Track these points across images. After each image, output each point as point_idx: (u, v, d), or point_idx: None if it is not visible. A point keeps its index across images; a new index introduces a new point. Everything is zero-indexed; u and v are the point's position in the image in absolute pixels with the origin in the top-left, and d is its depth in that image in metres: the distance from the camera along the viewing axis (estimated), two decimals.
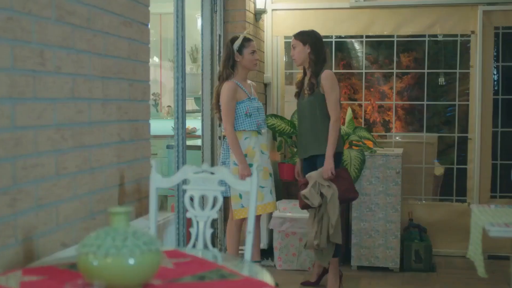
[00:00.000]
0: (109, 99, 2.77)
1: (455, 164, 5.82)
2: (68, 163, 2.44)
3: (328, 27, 5.83)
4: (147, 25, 3.18)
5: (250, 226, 2.54)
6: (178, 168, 4.22)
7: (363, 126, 6.06)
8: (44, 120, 2.29)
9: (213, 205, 2.58)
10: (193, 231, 2.58)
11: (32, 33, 2.20)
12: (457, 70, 5.76)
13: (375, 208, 5.17)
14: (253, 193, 2.52)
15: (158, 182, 2.62)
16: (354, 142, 5.52)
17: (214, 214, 2.57)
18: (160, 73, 8.68)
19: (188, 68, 7.10)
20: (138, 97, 3.07)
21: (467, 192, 5.68)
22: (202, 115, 5.16)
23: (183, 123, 4.22)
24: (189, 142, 5.89)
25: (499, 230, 2.84)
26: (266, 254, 5.41)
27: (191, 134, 7.05)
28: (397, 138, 6.22)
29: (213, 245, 5.08)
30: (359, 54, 6.54)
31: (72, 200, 2.48)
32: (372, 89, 6.84)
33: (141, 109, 3.12)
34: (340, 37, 6.03)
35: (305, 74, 4.61)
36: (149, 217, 2.61)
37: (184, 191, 2.64)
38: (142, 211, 3.09)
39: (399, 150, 5.43)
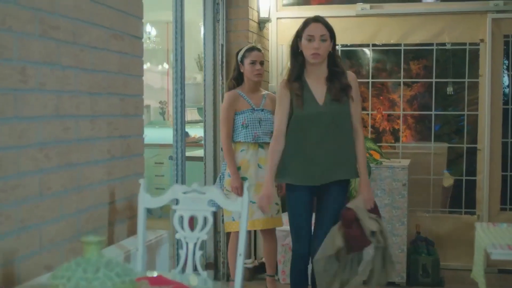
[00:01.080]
0: (98, 115, 2.69)
1: (464, 175, 5.69)
2: (52, 183, 2.36)
3: None
4: (140, 38, 3.10)
5: (240, 247, 2.45)
6: (177, 180, 4.15)
7: (371, 134, 5.96)
8: (26, 139, 2.21)
9: (204, 226, 2.49)
10: (182, 253, 2.49)
11: (13, 50, 2.13)
12: (466, 79, 5.64)
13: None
14: (243, 214, 2.43)
15: (146, 202, 2.53)
16: None
17: (204, 235, 2.49)
18: (167, 81, 8.64)
19: (198, 77, 7.03)
20: (130, 112, 2.99)
21: (476, 204, 5.55)
22: (205, 126, 5.09)
23: (182, 136, 4.15)
24: (193, 153, 5.82)
25: (501, 253, 2.73)
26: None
27: (198, 142, 6.98)
28: (404, 149, 6.10)
29: (215, 257, 5.05)
30: (367, 62, 6.44)
31: (57, 221, 2.40)
32: (381, 97, 6.73)
33: (134, 124, 3.04)
34: (346, 45, 5.92)
35: (297, 76, 3.61)
36: (137, 239, 2.53)
37: (174, 212, 2.56)
38: (133, 229, 3.00)
39: (406, 162, 5.32)
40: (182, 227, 2.50)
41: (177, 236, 2.51)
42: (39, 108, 2.28)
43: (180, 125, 4.13)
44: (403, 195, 5.01)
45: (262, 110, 4.38)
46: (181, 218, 2.51)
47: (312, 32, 3.50)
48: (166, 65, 8.53)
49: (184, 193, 2.52)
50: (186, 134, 6.96)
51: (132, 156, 3.03)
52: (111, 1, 2.78)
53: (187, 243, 2.49)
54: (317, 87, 3.59)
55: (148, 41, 7.80)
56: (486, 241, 2.86)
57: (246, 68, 4.36)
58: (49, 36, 2.32)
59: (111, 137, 2.81)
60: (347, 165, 3.60)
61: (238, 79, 4.44)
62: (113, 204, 2.83)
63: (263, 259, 5.14)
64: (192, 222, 2.57)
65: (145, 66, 8.45)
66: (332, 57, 3.62)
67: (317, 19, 3.58)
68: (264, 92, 4.53)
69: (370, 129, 6.27)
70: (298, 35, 3.59)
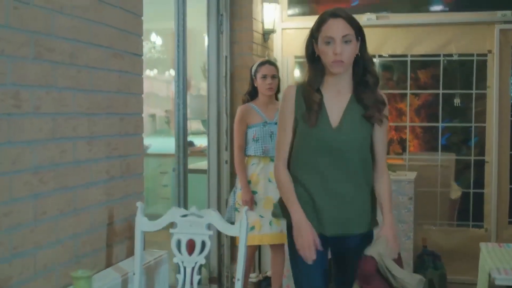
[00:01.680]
0: (96, 136, 2.65)
1: (471, 188, 5.61)
2: (48, 207, 2.33)
3: None
4: (140, 55, 3.06)
5: (238, 272, 2.40)
6: (179, 194, 4.12)
7: None
8: (20, 164, 2.17)
9: (201, 250, 2.45)
10: (179, 277, 2.45)
11: (6, 74, 2.10)
12: (473, 91, 5.57)
13: None
14: (242, 239, 2.38)
15: (143, 226, 2.49)
16: None
17: (202, 259, 2.45)
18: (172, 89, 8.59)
19: (204, 85, 6.98)
20: (129, 131, 2.95)
21: (484, 217, 5.47)
22: (208, 138, 5.04)
23: (184, 152, 4.11)
24: (196, 165, 5.78)
25: (505, 278, 2.66)
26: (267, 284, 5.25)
27: (203, 152, 6.93)
28: (411, 160, 6.03)
29: (219, 271, 5.00)
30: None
31: (53, 245, 2.36)
32: (388, 106, 6.65)
33: (133, 144, 3.00)
34: None
35: (315, 87, 2.65)
36: (134, 263, 2.49)
37: (172, 235, 2.51)
38: (133, 249, 2.96)
39: (412, 175, 5.25)
40: (180, 251, 2.45)
41: (175, 260, 2.47)
42: (34, 132, 2.24)
43: (182, 141, 4.09)
44: (409, 209, 4.94)
45: (276, 123, 4.31)
46: (179, 242, 2.47)
47: (331, 33, 2.53)
48: (172, 73, 8.51)
49: (182, 216, 2.47)
50: (192, 143, 6.94)
51: (132, 175, 2.99)
52: (110, 20, 2.74)
53: (185, 267, 2.44)
54: (334, 102, 2.64)
55: (153, 50, 7.77)
56: (491, 264, 2.80)
57: (258, 82, 4.34)
58: (45, 59, 2.29)
59: (110, 158, 2.77)
60: (363, 216, 2.66)
61: (252, 94, 4.42)
62: (112, 225, 2.79)
63: (268, 273, 5.09)
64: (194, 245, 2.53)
65: (151, 74, 8.47)
66: (359, 63, 2.63)
67: (336, 14, 2.57)
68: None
69: None
70: (313, 36, 2.63)
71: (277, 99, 4.47)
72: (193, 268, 2.44)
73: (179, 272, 2.46)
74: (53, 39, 2.33)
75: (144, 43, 8.00)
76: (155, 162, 7.25)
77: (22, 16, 2.16)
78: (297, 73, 6.02)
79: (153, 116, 8.33)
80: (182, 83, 4.04)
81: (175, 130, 4.07)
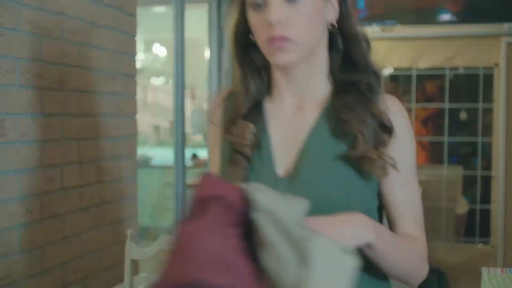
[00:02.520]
0: (86, 160, 2.59)
1: (478, 203, 5.51)
2: (34, 237, 2.27)
3: None
4: (134, 75, 3.01)
5: None
6: (177, 209, 4.06)
7: None
8: (4, 194, 2.12)
9: None
10: None
11: None
12: (480, 105, 5.48)
13: None
14: None
15: (134, 254, 2.42)
16: None
17: None
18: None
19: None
20: (123, 154, 2.90)
21: (491, 233, 5.37)
22: (209, 153, 4.98)
23: (183, 166, 4.05)
24: None
25: None
26: None
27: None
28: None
29: None
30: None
31: (38, 276, 2.30)
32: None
33: (127, 166, 2.94)
34: None
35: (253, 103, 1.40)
36: None
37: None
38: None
39: None
40: None
41: None
42: (19, 160, 2.18)
43: (181, 158, 4.03)
44: None
45: None
46: None
47: None
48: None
49: None
50: (195, 156, 6.89)
51: (125, 199, 2.93)
52: (102, 42, 2.69)
53: None
54: (288, 128, 1.38)
55: (156, 62, 7.74)
56: None
57: None
58: (32, 85, 2.23)
59: (101, 182, 2.71)
60: None
61: None
62: (104, 251, 2.73)
63: None
64: None
65: (156, 83, 8.42)
66: (338, 44, 1.38)
67: None
68: None
69: None
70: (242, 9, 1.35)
71: None
72: None
73: None
74: (40, 65, 2.28)
75: (148, 54, 7.97)
76: (159, 174, 7.21)
77: (7, 43, 2.11)
78: None
79: (157, 127, 8.29)
80: (180, 101, 3.99)
81: (174, 144, 4.01)
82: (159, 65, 7.90)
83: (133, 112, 3.01)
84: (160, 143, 8.27)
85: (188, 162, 7.52)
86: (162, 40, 7.82)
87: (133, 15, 2.96)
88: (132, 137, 2.99)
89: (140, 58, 8.08)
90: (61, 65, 2.40)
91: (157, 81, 8.13)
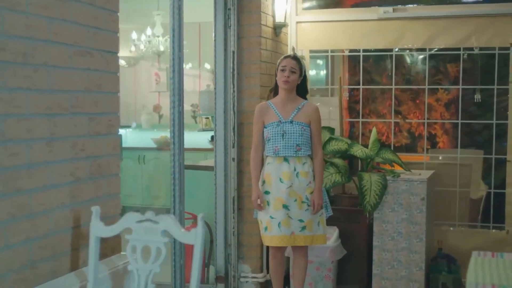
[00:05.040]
0: (57, 137, 2.57)
1: (492, 187, 5.35)
2: None
3: (355, 40, 5.50)
4: (115, 52, 2.96)
5: (193, 283, 2.29)
6: (174, 195, 4.03)
7: (406, 140, 5.71)
8: None
9: (156, 258, 2.34)
10: (133, 286, 2.35)
11: None
12: (495, 86, 5.30)
13: (398, 237, 4.80)
14: (197, 247, 2.27)
15: (99, 231, 2.40)
16: (380, 165, 5.16)
17: (157, 267, 2.34)
18: (199, 83, 8.54)
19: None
20: (101, 131, 2.87)
21: (505, 219, 5.21)
22: (215, 135, 4.94)
23: (180, 149, 4.02)
24: (206, 162, 5.69)
25: None
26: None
27: None
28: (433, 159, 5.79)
29: (226, 271, 4.90)
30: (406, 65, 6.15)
31: (1, 250, 2.29)
32: (417, 101, 6.44)
33: (106, 144, 2.91)
34: (368, 50, 5.66)
35: None
36: (88, 270, 2.40)
37: (127, 242, 2.42)
38: (107, 251, 2.89)
39: (427, 173, 5.03)
40: (135, 259, 2.36)
41: (129, 267, 2.38)
42: None
43: (178, 137, 3.99)
44: (421, 209, 4.74)
45: (291, 122, 4.14)
46: (134, 249, 2.37)
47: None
48: (199, 67, 8.47)
49: (138, 222, 2.37)
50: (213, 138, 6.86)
51: (105, 176, 2.90)
52: (75, 17, 2.65)
53: (139, 276, 2.34)
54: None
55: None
56: (473, 277, 2.61)
57: (278, 76, 4.19)
58: None
59: (75, 159, 2.69)
60: None
61: (275, 90, 4.28)
62: (78, 228, 2.71)
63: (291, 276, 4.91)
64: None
65: None
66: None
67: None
68: (302, 102, 4.25)
69: (405, 134, 6.01)
70: None
71: (303, 97, 4.31)
72: (147, 277, 2.33)
73: (133, 280, 2.37)
74: (2, 39, 2.25)
75: (164, 38, 7.90)
76: None
77: None
78: (312, 68, 5.87)
79: None
80: (178, 80, 3.94)
81: (170, 127, 3.97)
82: None
83: (115, 89, 2.97)
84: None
85: (208, 144, 7.52)
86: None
87: None
88: (113, 115, 2.96)
89: (161, 41, 8.07)
90: (25, 38, 2.37)
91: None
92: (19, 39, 2.34)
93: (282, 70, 4.15)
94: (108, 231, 2.41)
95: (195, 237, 2.28)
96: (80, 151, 2.72)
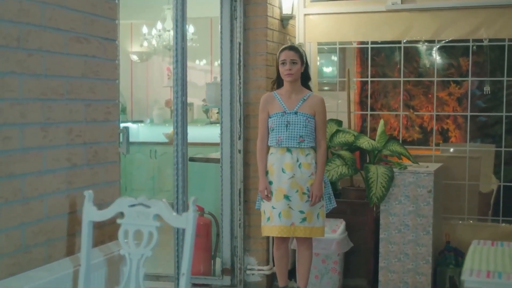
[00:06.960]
0: (52, 122, 2.57)
1: (501, 181, 5.28)
2: None
3: (363, 32, 5.47)
4: (114, 39, 2.97)
5: (184, 266, 2.28)
6: (177, 186, 4.03)
7: (418, 134, 5.66)
8: None
9: (148, 242, 2.34)
10: (125, 270, 2.35)
11: None
12: (505, 78, 5.23)
13: (405, 230, 4.75)
14: (188, 231, 2.26)
15: (91, 215, 2.40)
16: (388, 157, 5.12)
17: (149, 252, 2.33)
18: (211, 78, 8.53)
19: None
20: (98, 117, 2.87)
21: None
22: (222, 127, 4.93)
23: (184, 139, 4.01)
24: (211, 154, 5.69)
25: (475, 281, 2.43)
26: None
27: None
28: (451, 150, 5.74)
29: (232, 263, 4.89)
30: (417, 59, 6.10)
31: None
32: (429, 95, 6.39)
33: (104, 131, 2.91)
34: (376, 42, 5.62)
35: None
36: (81, 256, 2.41)
37: (119, 226, 2.41)
38: (104, 238, 2.89)
39: (435, 166, 4.98)
40: (128, 243, 2.35)
41: (122, 252, 2.37)
42: None
43: (181, 128, 3.99)
44: (428, 202, 4.69)
45: (296, 113, 4.13)
46: (127, 233, 2.37)
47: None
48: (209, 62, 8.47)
49: (130, 206, 2.37)
50: None
51: (102, 163, 2.91)
52: (70, 3, 2.66)
53: (131, 260, 2.34)
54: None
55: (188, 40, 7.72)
56: (469, 264, 2.58)
57: (280, 70, 4.19)
58: None
59: (71, 145, 2.69)
60: None
61: (279, 81, 4.27)
62: (74, 214, 2.72)
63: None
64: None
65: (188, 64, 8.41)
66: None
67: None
68: (307, 93, 4.24)
69: (417, 128, 5.97)
70: None
71: (307, 87, 4.29)
72: (139, 261, 2.33)
73: (125, 264, 2.36)
74: None
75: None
76: (192, 151, 7.22)
77: None
78: (320, 59, 5.84)
79: (190, 105, 8.29)
80: (182, 70, 3.94)
81: (173, 117, 3.97)
82: (189, 43, 7.87)
83: (113, 76, 2.98)
84: (194, 122, 8.31)
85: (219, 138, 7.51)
86: (191, 19, 7.78)
87: None
88: (111, 102, 2.96)
89: (171, 35, 8.07)
90: (18, 23, 2.38)
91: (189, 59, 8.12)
92: (12, 23, 2.35)
93: (283, 64, 4.14)
94: (101, 215, 2.41)
95: (186, 221, 2.27)
96: (76, 137, 2.73)
